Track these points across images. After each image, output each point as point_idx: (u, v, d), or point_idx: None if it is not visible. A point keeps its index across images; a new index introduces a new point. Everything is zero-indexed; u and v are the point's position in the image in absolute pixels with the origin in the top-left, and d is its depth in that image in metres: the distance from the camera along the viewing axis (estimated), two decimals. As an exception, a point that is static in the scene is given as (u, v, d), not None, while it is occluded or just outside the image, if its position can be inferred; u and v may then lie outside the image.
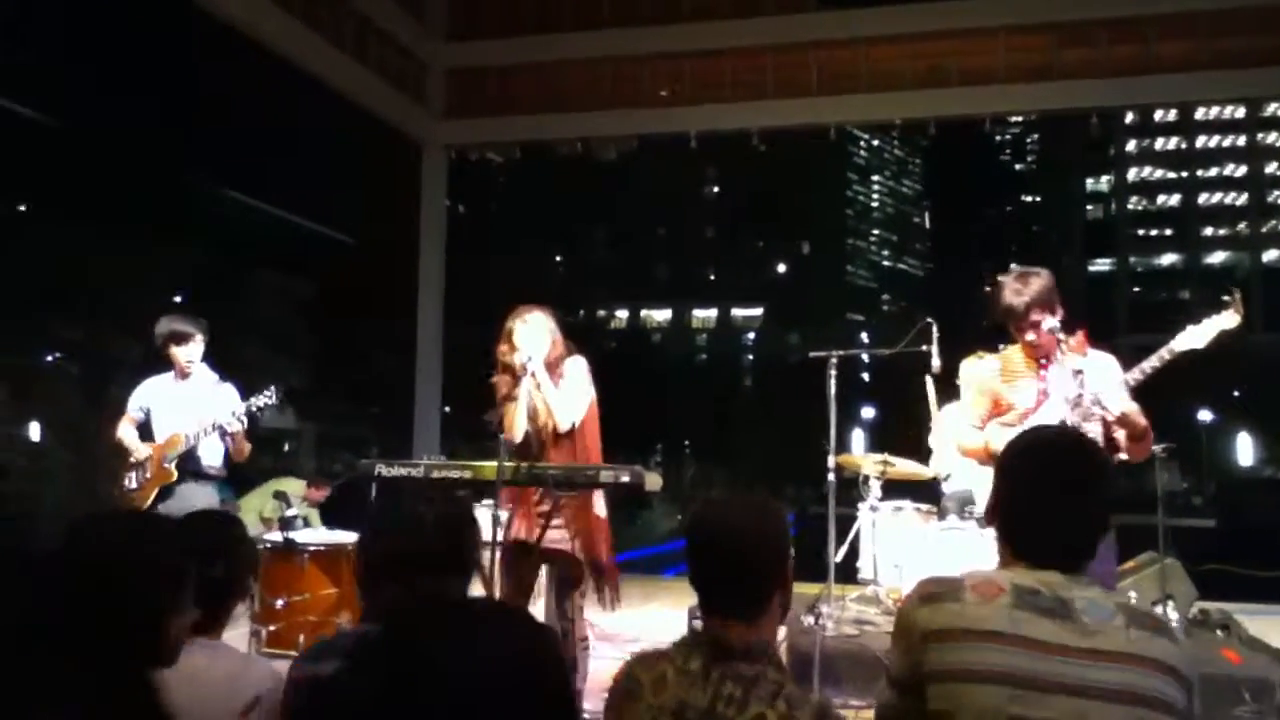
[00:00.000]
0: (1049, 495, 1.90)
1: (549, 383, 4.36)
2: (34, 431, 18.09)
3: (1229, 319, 3.61)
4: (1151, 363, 3.68)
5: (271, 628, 4.57)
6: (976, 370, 4.09)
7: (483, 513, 3.33)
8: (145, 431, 5.33)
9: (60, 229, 16.23)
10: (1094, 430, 3.62)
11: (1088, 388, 3.65)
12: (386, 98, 9.56)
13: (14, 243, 16.30)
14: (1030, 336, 3.77)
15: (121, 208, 15.79)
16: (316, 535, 5.14)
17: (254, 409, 5.21)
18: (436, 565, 2.06)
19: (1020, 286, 3.80)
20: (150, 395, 5.36)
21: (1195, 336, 3.65)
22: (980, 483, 6.04)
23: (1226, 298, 3.63)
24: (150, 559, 1.75)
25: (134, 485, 5.15)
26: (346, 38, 8.83)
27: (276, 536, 4.97)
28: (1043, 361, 3.82)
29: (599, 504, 4.37)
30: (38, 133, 17.37)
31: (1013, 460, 2.00)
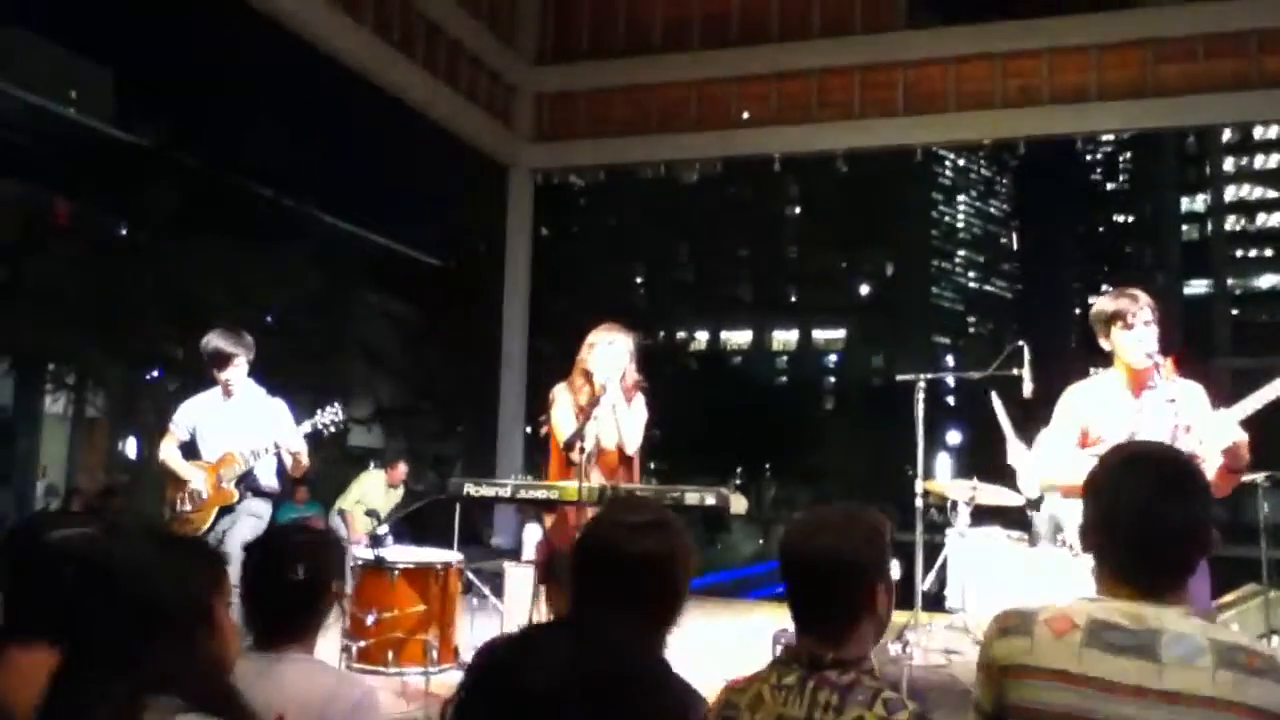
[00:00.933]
0: (1142, 508, 1.81)
1: (625, 406, 4.43)
2: (132, 449, 18.69)
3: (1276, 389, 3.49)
4: (1264, 397, 3.56)
5: (361, 644, 4.64)
6: (1071, 395, 4.00)
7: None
8: (191, 450, 5.23)
9: (159, 249, 16.77)
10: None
11: (1182, 418, 3.55)
12: (476, 122, 9.74)
13: (122, 263, 16.87)
14: (1135, 335, 3.68)
15: (217, 228, 16.24)
16: (406, 553, 5.21)
17: (319, 427, 5.18)
18: None
19: (1124, 290, 3.79)
20: (197, 414, 5.26)
21: (1249, 406, 3.54)
22: (1068, 510, 5.91)
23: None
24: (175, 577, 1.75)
25: (189, 507, 5.08)
26: (439, 63, 9.02)
27: (367, 553, 5.05)
28: (1141, 388, 3.72)
29: None
30: (142, 156, 17.98)
31: (1104, 475, 1.92)
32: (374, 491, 10.01)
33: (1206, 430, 3.53)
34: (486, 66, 9.70)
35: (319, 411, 5.23)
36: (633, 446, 4.51)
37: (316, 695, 2.17)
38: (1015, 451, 6.28)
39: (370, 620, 4.66)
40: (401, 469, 10.41)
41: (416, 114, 9.30)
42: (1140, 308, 3.71)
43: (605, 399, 4.36)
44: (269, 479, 5.18)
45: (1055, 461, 3.95)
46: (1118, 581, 1.81)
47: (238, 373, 5.15)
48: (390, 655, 4.63)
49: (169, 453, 5.24)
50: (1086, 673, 1.69)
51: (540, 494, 4.48)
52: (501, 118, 10.03)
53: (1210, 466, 3.50)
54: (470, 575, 5.46)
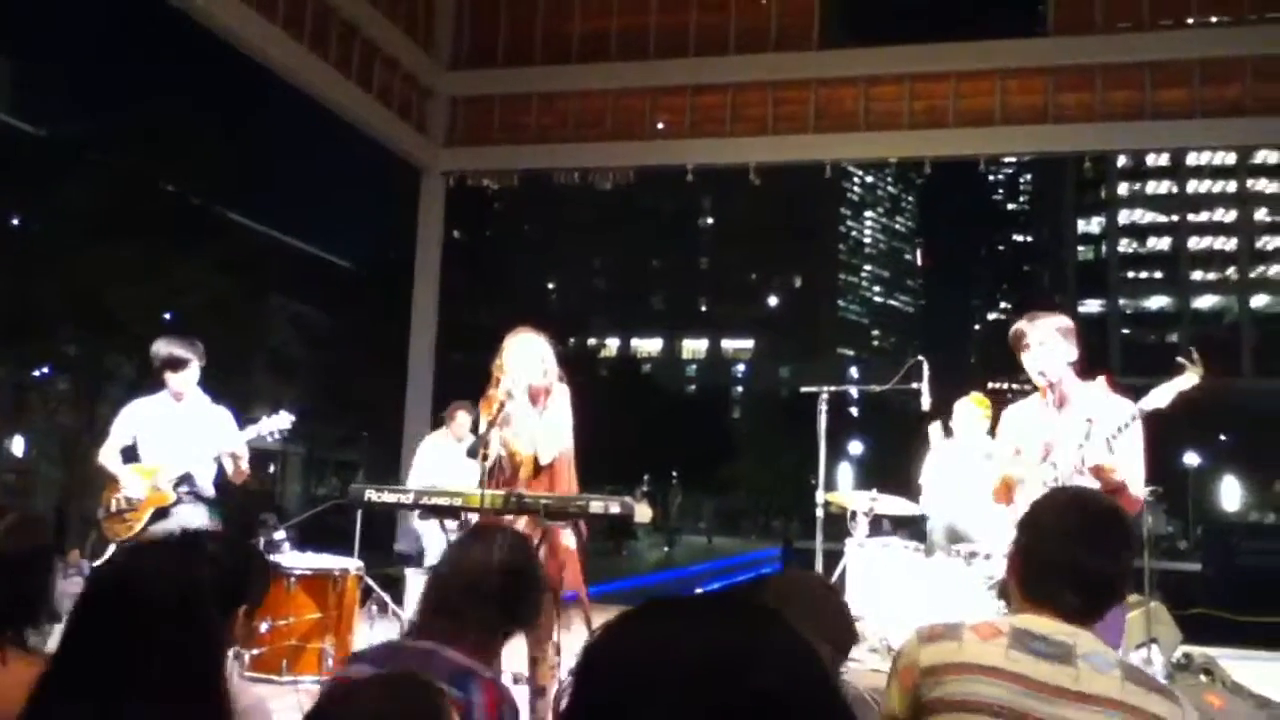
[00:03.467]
0: (1078, 552, 1.96)
1: (531, 414, 4.35)
2: (18, 447, 18.03)
3: (1187, 380, 3.66)
4: (1122, 424, 3.72)
5: (254, 651, 4.54)
6: (1007, 415, 4.15)
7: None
8: (131, 454, 5.21)
9: (61, 245, 16.21)
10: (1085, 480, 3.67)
11: (1091, 439, 3.69)
12: (389, 123, 9.61)
13: (13, 257, 16.27)
14: (1029, 357, 3.84)
15: (124, 227, 15.77)
16: (303, 559, 5.11)
17: (267, 435, 5.14)
18: None
19: (1028, 314, 3.95)
20: (141, 418, 5.26)
21: (1156, 398, 3.71)
22: (971, 519, 6.08)
23: (1181, 360, 3.69)
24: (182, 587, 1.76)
25: (124, 508, 5.06)
26: (353, 64, 8.88)
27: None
28: (1062, 404, 3.87)
29: (567, 535, 4.34)
30: (40, 146, 17.40)
31: (1039, 517, 2.07)
32: (441, 457, 7.65)
33: (1089, 451, 3.68)
34: (401, 69, 9.59)
35: (264, 418, 5.18)
36: (546, 454, 4.37)
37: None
38: (929, 471, 6.47)
39: (264, 628, 4.56)
40: (462, 418, 7.62)
41: (331, 116, 9.17)
42: (1034, 328, 3.85)
43: (511, 405, 4.30)
44: (207, 483, 5.14)
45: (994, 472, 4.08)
46: (1037, 605, 1.97)
47: (192, 375, 5.15)
48: (284, 663, 4.54)
49: (108, 455, 5.18)
50: (1015, 670, 1.83)
51: (443, 501, 4.43)
52: (415, 121, 9.93)
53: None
54: (370, 582, 5.38)
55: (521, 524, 4.14)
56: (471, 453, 4.35)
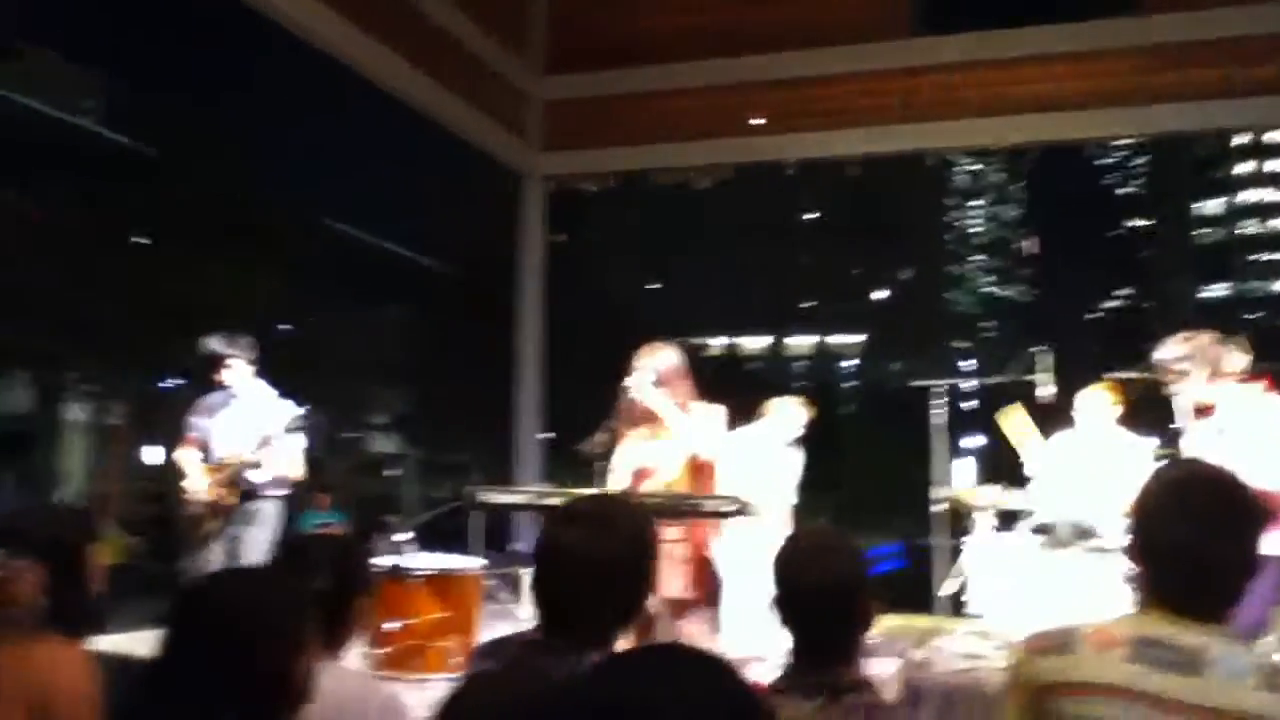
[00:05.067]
0: (1192, 535, 1.78)
1: (668, 403, 4.41)
2: (153, 455, 18.80)
3: None
4: None
5: (382, 651, 4.66)
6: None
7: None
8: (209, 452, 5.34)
9: (168, 260, 16.86)
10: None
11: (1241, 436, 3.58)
12: (487, 129, 9.76)
13: (129, 273, 16.97)
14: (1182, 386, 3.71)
15: (228, 238, 16.33)
16: (426, 560, 5.24)
17: (290, 429, 5.20)
18: None
19: (1192, 343, 3.98)
20: (206, 416, 5.37)
21: None
22: (1099, 514, 5.90)
23: None
24: (272, 608, 1.83)
25: (194, 511, 5.14)
26: (447, 70, 9.02)
27: (386, 562, 5.07)
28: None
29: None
30: (143, 165, 18.10)
31: (1156, 495, 1.89)
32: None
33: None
34: (496, 74, 9.73)
35: (290, 416, 5.25)
36: (699, 446, 4.47)
37: (345, 697, 2.19)
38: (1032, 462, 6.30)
39: (390, 627, 4.68)
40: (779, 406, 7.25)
41: (426, 121, 9.34)
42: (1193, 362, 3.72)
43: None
44: (273, 482, 5.21)
45: None
46: (1162, 602, 1.79)
47: (235, 374, 5.27)
48: (411, 662, 4.65)
49: (182, 456, 5.31)
50: (1134, 686, 1.67)
51: (553, 500, 4.50)
52: (512, 125, 10.06)
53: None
54: (491, 581, 5.47)
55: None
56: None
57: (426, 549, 6.04)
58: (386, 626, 4.66)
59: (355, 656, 4.61)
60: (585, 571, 2.02)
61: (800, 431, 6.90)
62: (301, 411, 5.19)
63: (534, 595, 2.14)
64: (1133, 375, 5.10)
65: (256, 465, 5.13)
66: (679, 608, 4.30)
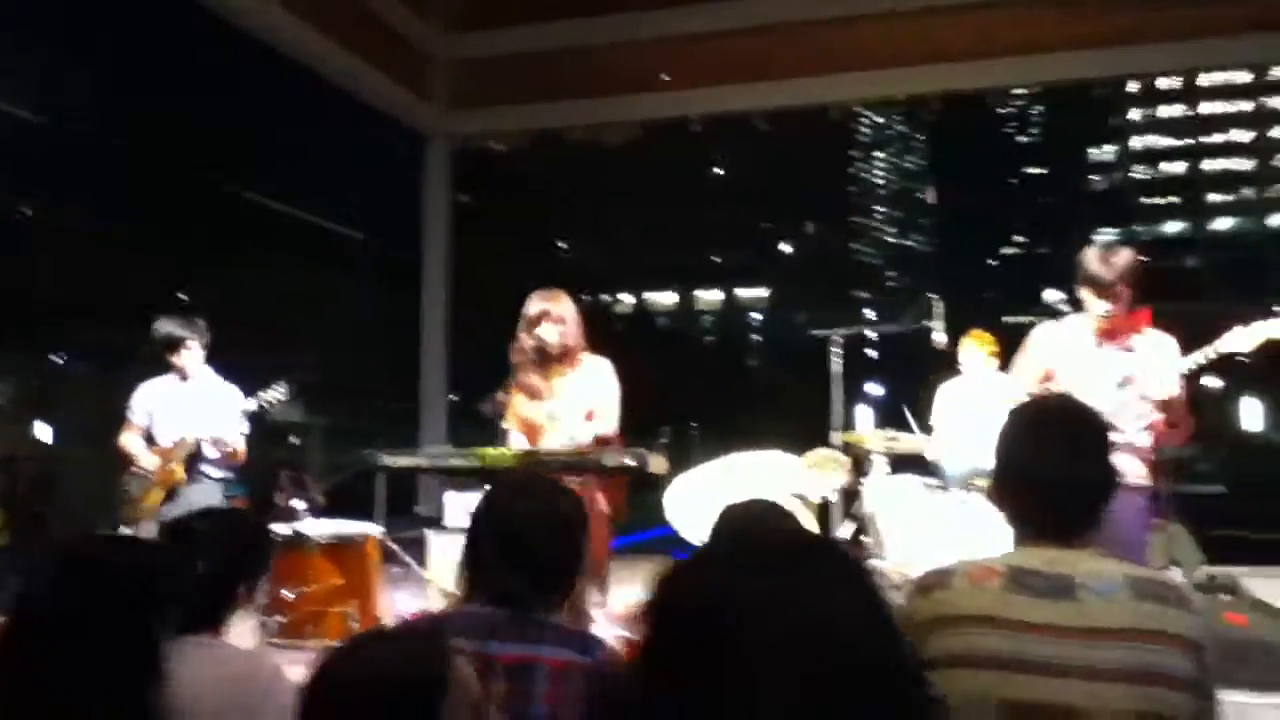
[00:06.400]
0: (1043, 462, 1.84)
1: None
2: (43, 432, 18.18)
3: (1277, 327, 3.58)
4: (1196, 360, 3.68)
5: (280, 619, 4.60)
6: (1037, 334, 4.08)
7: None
8: (151, 436, 5.31)
9: (66, 230, 16.29)
10: (1140, 410, 3.66)
11: (1135, 369, 3.67)
12: (389, 92, 9.57)
13: (22, 244, 16.36)
14: (1109, 307, 3.78)
15: (129, 206, 15.82)
16: (323, 526, 5.16)
17: (264, 404, 5.19)
18: None
19: (1108, 257, 3.85)
20: (153, 399, 5.32)
21: (1242, 340, 3.64)
22: (987, 457, 6.04)
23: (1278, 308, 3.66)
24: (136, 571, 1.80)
25: (139, 490, 5.12)
26: (348, 33, 8.79)
27: (285, 530, 4.99)
28: (1105, 336, 3.83)
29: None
30: (42, 135, 17.39)
31: (1013, 433, 1.93)
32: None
33: (1148, 384, 3.65)
34: (400, 36, 9.51)
35: (265, 390, 5.24)
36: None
37: (227, 676, 2.13)
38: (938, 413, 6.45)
39: (288, 595, 4.61)
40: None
41: (331, 86, 9.16)
42: (1113, 279, 3.79)
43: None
44: (218, 461, 5.21)
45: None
46: (1033, 533, 1.83)
47: (191, 356, 5.20)
48: (310, 629, 4.59)
49: (128, 440, 5.27)
50: (1009, 615, 1.70)
51: (459, 462, 4.46)
52: (415, 86, 9.85)
53: (1150, 419, 3.63)
54: (391, 545, 5.42)
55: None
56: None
57: (330, 516, 5.96)
58: (284, 594, 4.59)
59: (251, 627, 4.55)
60: (549, 536, 2.13)
61: None
62: (285, 387, 5.16)
63: (477, 564, 2.14)
64: (1024, 320, 5.21)
65: (221, 445, 5.10)
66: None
